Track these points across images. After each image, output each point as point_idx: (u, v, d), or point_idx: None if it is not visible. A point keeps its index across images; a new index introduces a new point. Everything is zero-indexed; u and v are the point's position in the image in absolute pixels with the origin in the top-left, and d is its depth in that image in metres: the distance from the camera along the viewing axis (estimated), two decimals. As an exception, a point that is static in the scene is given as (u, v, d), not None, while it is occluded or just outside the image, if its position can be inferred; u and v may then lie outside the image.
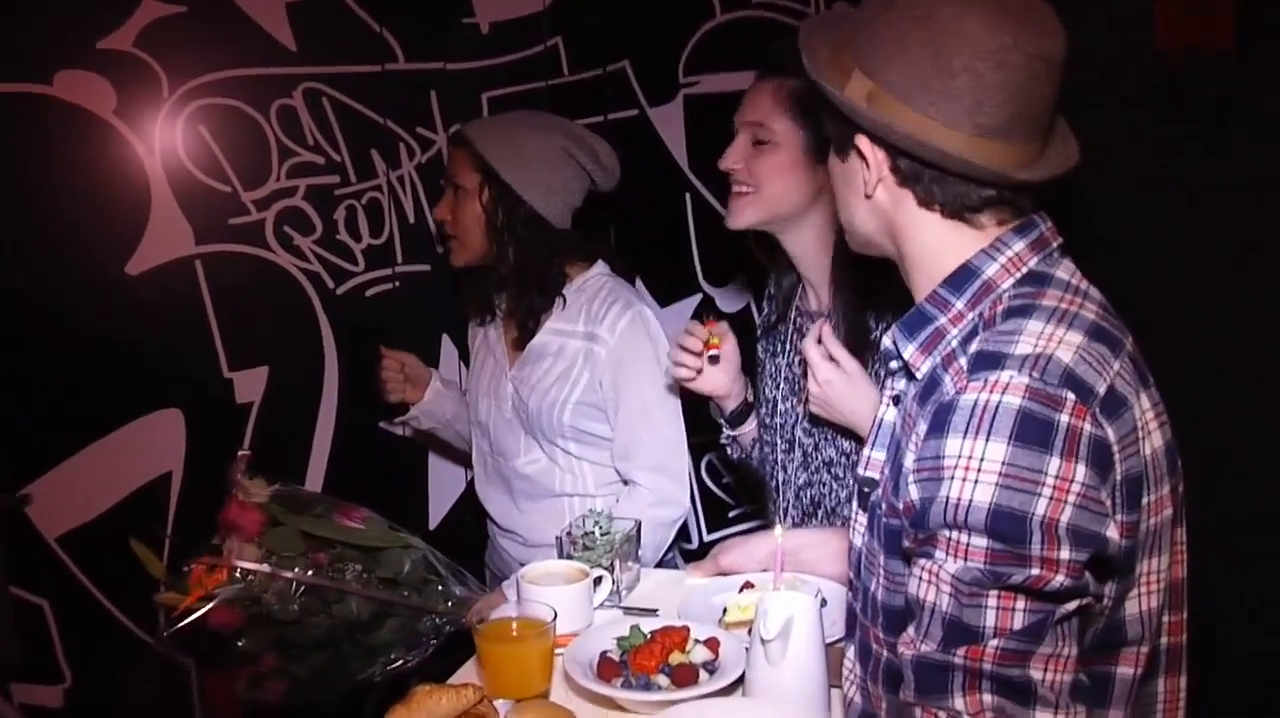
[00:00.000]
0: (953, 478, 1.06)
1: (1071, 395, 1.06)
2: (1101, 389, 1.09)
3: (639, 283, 3.05)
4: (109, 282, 2.31)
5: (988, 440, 1.05)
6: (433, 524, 2.84)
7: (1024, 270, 1.19)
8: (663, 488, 2.12)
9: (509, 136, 2.13)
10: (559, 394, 2.15)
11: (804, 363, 1.80)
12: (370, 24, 2.57)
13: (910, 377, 1.24)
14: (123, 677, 2.34)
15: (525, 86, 2.82)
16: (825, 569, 1.73)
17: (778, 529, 1.71)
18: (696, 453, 3.16)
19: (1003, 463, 1.04)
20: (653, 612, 1.73)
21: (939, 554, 1.07)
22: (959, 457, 1.06)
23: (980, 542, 1.04)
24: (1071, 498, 1.03)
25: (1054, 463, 1.03)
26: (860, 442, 1.37)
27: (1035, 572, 1.03)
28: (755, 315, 2.21)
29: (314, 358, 2.60)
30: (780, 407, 2.01)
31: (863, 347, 1.81)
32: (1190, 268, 2.78)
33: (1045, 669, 1.05)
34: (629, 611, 1.76)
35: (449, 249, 2.25)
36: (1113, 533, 1.07)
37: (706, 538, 3.27)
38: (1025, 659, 1.05)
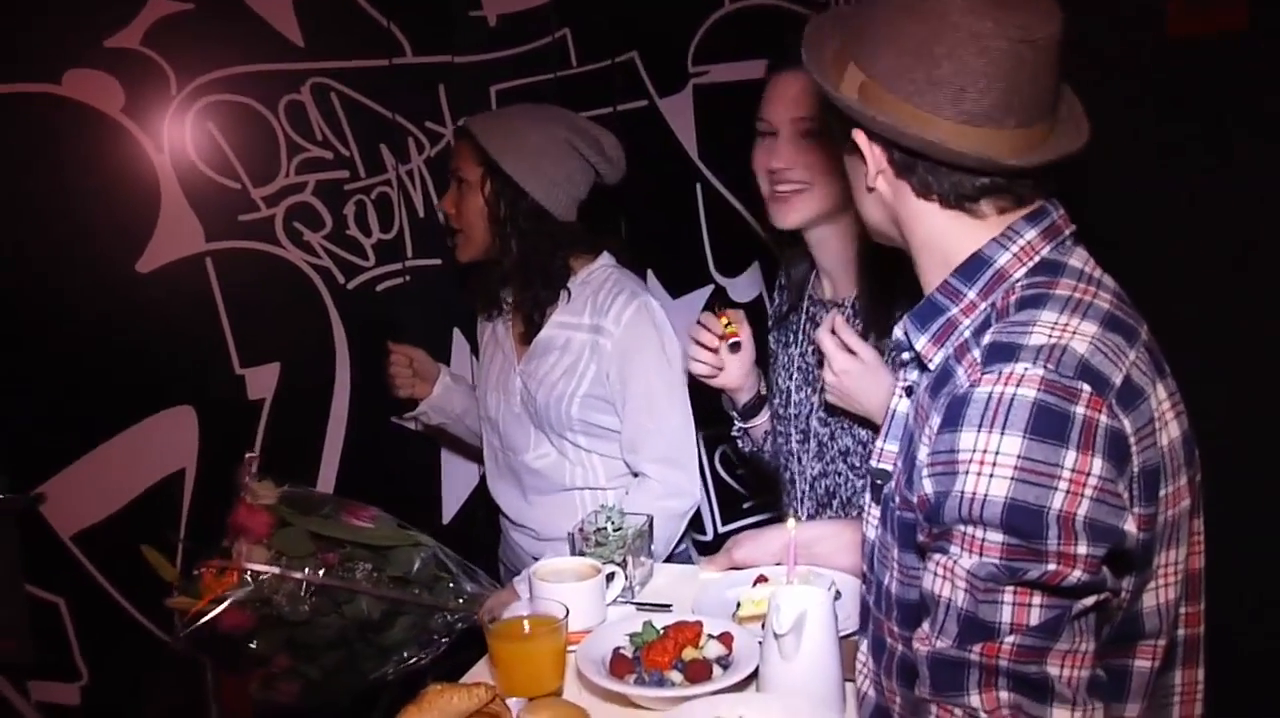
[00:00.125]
0: (967, 472, 1.04)
1: (1087, 387, 1.05)
2: (1117, 380, 1.07)
3: (650, 275, 3.04)
4: (119, 280, 2.31)
5: (1003, 434, 1.03)
6: (446, 519, 2.84)
7: (1036, 259, 1.17)
8: (672, 479, 2.11)
9: (511, 129, 2.13)
10: (566, 388, 2.14)
11: (818, 352, 1.78)
12: (377, 18, 2.57)
13: (923, 368, 1.23)
14: (139, 675, 2.35)
15: (533, 79, 2.81)
16: (840, 562, 1.72)
17: (790, 522, 1.70)
18: (710, 444, 3.17)
19: (1018, 457, 1.02)
20: (666, 607, 1.72)
21: (954, 549, 1.06)
22: (973, 450, 1.04)
23: (996, 537, 1.03)
24: (1088, 491, 1.02)
25: (1070, 456, 1.02)
26: (877, 430, 1.36)
27: (1052, 567, 1.02)
28: (768, 305, 2.20)
29: (325, 353, 2.60)
30: (794, 397, 1.99)
31: (886, 335, 1.79)
32: (1190, 267, 2.77)
33: (1062, 666, 1.04)
34: (642, 606, 1.75)
35: (454, 243, 2.25)
36: (1130, 526, 1.05)
37: (721, 530, 3.26)
38: (1042, 656, 1.04)
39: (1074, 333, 1.08)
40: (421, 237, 2.68)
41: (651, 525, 1.89)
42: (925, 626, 1.11)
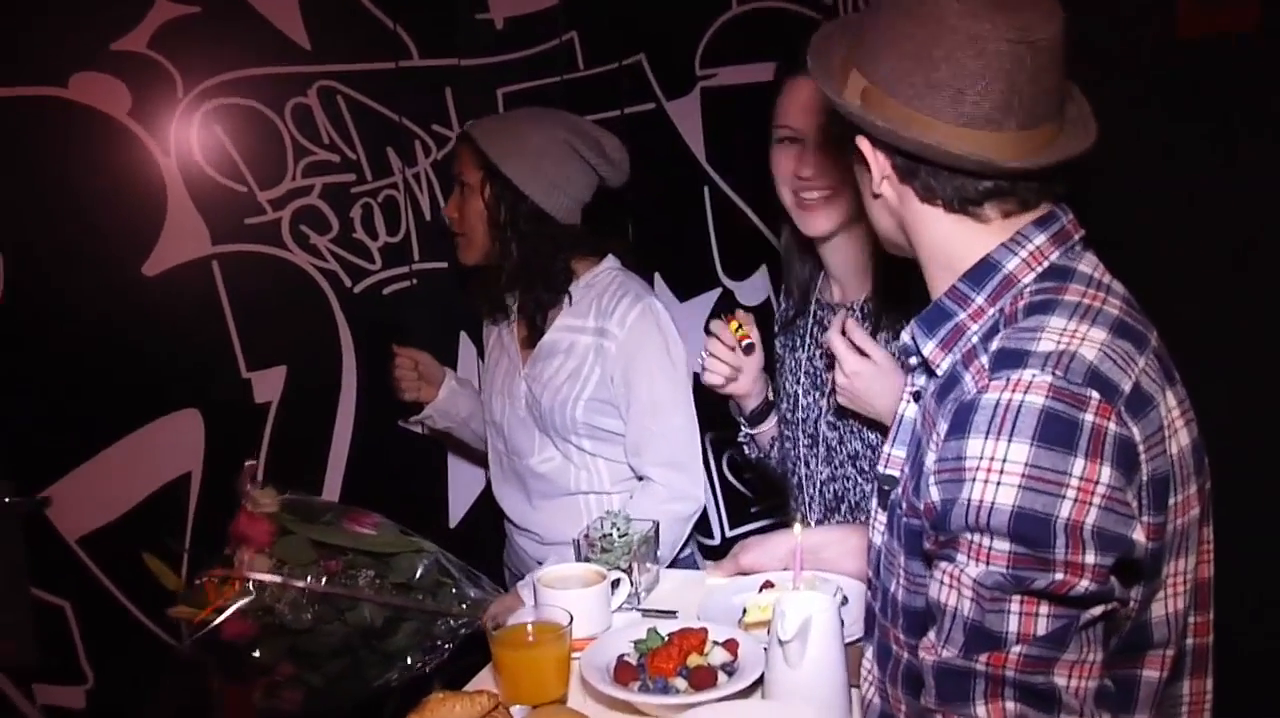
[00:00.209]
0: (974, 480, 1.03)
1: (1096, 394, 1.03)
2: (1127, 387, 1.06)
3: (657, 277, 3.04)
4: (126, 283, 2.31)
5: (1010, 441, 1.02)
6: (453, 523, 2.83)
7: (1046, 264, 1.16)
8: (676, 483, 2.10)
9: (511, 132, 2.13)
10: (571, 391, 2.13)
11: (826, 356, 1.77)
12: (384, 21, 2.57)
13: (930, 373, 1.22)
14: (145, 679, 2.34)
15: (540, 82, 2.80)
16: (847, 567, 1.71)
17: (796, 527, 1.69)
18: (718, 448, 3.16)
19: (1026, 464, 1.01)
20: (672, 613, 1.71)
21: (960, 558, 1.05)
22: (981, 458, 1.03)
23: (1003, 545, 1.02)
24: (1096, 500, 1.01)
25: (1078, 464, 1.01)
26: (887, 434, 1.36)
27: (1059, 576, 1.00)
28: (776, 308, 2.19)
29: (332, 357, 2.60)
30: (802, 401, 1.98)
31: (898, 338, 1.78)
32: (1192, 267, 2.76)
33: (1069, 676, 1.03)
34: (648, 613, 1.74)
35: (458, 247, 2.25)
36: (1139, 535, 1.04)
37: (729, 534, 3.25)
38: (1049, 666, 1.03)
39: (1083, 339, 1.07)
40: (428, 240, 2.68)
41: (657, 531, 1.88)
42: (931, 634, 1.10)
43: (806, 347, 2.00)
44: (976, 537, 1.04)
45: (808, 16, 3.17)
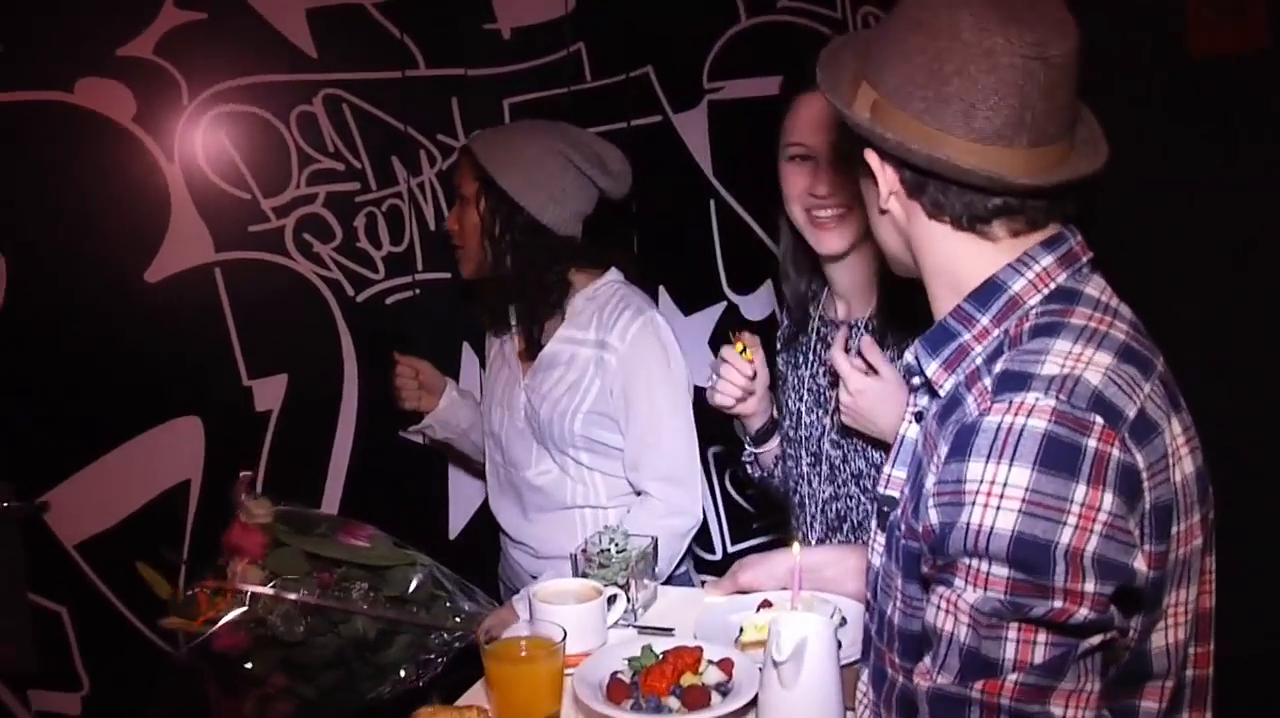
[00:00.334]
0: (974, 504, 1.02)
1: (1100, 419, 1.02)
2: (1131, 413, 1.05)
3: (662, 291, 3.03)
4: (128, 289, 2.31)
5: (1011, 465, 1.01)
6: (453, 534, 2.82)
7: (1052, 286, 1.15)
8: (674, 498, 2.09)
9: (508, 144, 2.13)
10: (570, 403, 2.12)
11: (830, 373, 1.76)
12: (391, 30, 2.56)
13: (933, 393, 1.21)
14: (141, 686, 2.33)
15: (547, 92, 2.80)
16: (848, 587, 1.69)
17: (795, 546, 1.68)
18: (721, 463, 3.14)
19: (1026, 489, 1.00)
20: (668, 631, 1.70)
21: (958, 583, 1.04)
22: (981, 481, 1.02)
23: (1001, 571, 1.00)
24: (1097, 527, 0.99)
25: (1080, 490, 0.99)
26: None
27: (1058, 604, 0.99)
28: (780, 323, 2.18)
29: (334, 366, 2.59)
30: (805, 419, 1.97)
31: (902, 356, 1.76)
32: (1193, 267, 2.76)
33: (1066, 706, 1.01)
34: (644, 629, 1.73)
35: (457, 258, 2.25)
36: (1140, 564, 1.03)
37: (731, 549, 3.24)
38: (1045, 695, 1.01)
39: (1088, 363, 1.06)
40: (432, 250, 2.67)
41: (656, 547, 1.86)
42: (926, 660, 1.08)
43: (809, 364, 1.99)
44: (975, 562, 1.02)
45: (816, 30, 3.16)
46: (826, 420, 1.91)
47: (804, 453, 1.97)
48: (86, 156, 2.24)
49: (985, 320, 1.16)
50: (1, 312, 2.18)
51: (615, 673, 1.52)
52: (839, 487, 1.92)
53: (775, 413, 2.04)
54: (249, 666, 1.70)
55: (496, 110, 2.73)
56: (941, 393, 1.18)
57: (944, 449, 1.08)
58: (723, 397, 1.92)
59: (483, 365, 2.65)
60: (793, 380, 2.02)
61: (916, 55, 1.11)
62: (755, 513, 3.27)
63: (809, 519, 1.98)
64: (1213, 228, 2.83)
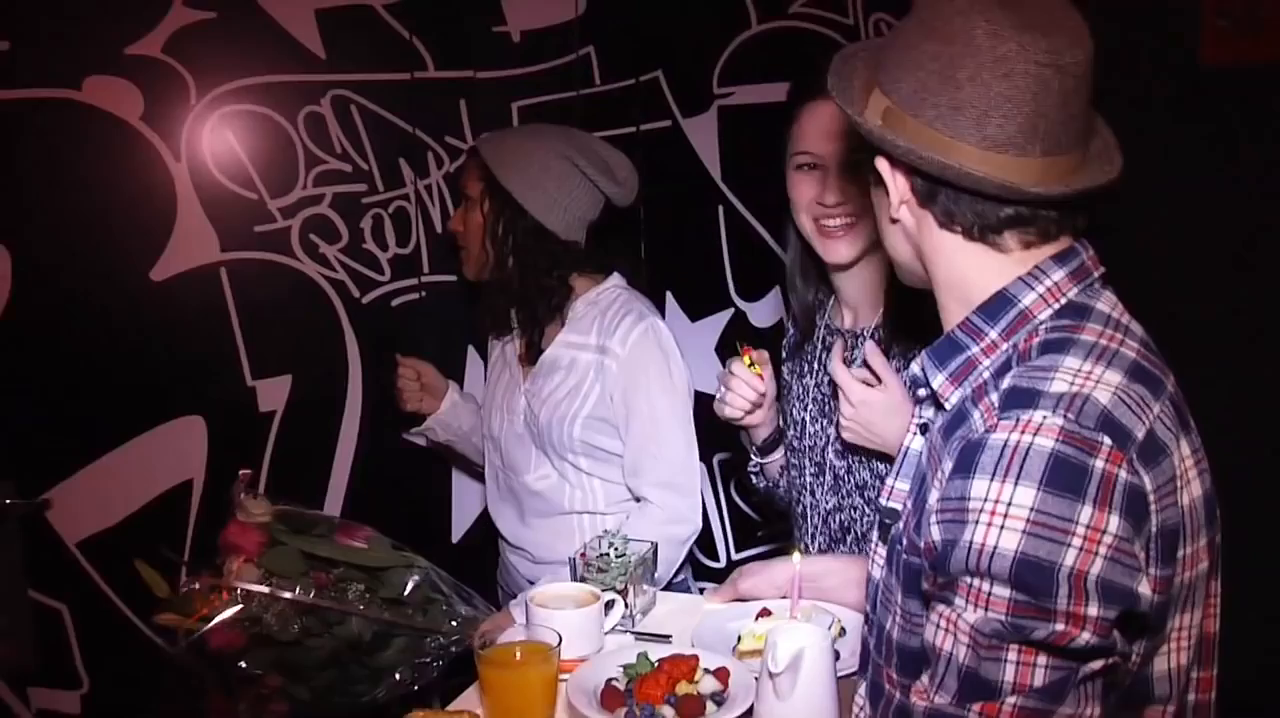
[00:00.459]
0: (977, 522, 1.00)
1: (1108, 440, 1.00)
2: (1140, 434, 1.03)
3: (669, 296, 3.02)
4: (133, 288, 2.30)
5: (1016, 484, 0.99)
6: (455, 538, 2.81)
7: (1063, 301, 1.14)
8: (673, 505, 2.08)
9: (515, 147, 2.13)
10: (570, 408, 2.12)
11: (834, 383, 1.75)
12: (400, 32, 2.55)
13: (939, 406, 1.20)
14: (140, 685, 2.33)
15: (556, 96, 2.79)
16: (849, 597, 1.68)
17: (795, 555, 1.67)
18: (726, 470, 3.13)
19: (1031, 509, 0.98)
20: (666, 638, 1.69)
21: (959, 602, 1.02)
22: (985, 499, 1.00)
23: (1003, 592, 0.99)
24: (1102, 550, 0.98)
25: (1086, 512, 0.98)
26: (895, 464, 1.33)
27: (1059, 627, 0.98)
28: (787, 330, 2.16)
29: (338, 367, 2.59)
30: (809, 428, 1.96)
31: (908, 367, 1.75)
32: (1195, 268, 2.74)
33: (1066, 731, 1.00)
34: (641, 636, 1.72)
35: (460, 260, 2.24)
36: (1145, 588, 1.01)
37: (734, 556, 3.22)
38: None
39: (1097, 382, 1.04)
40: (438, 252, 2.66)
41: (655, 553, 1.85)
42: (924, 679, 1.07)
43: (815, 373, 1.97)
44: (976, 581, 1.01)
45: (827, 37, 3.15)
46: (831, 430, 1.90)
47: (808, 463, 1.96)
48: (93, 155, 2.23)
49: (994, 334, 1.15)
50: (6, 308, 2.18)
51: (610, 680, 1.51)
52: (843, 498, 1.90)
53: (781, 423, 2.03)
54: (243, 664, 1.69)
55: (505, 113, 2.72)
56: (947, 406, 1.17)
57: (949, 465, 1.07)
58: (731, 409, 1.92)
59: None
60: (798, 389, 2.01)
61: (929, 62, 1.10)
62: (760, 521, 3.26)
63: (812, 531, 1.97)
64: (1221, 237, 2.82)
